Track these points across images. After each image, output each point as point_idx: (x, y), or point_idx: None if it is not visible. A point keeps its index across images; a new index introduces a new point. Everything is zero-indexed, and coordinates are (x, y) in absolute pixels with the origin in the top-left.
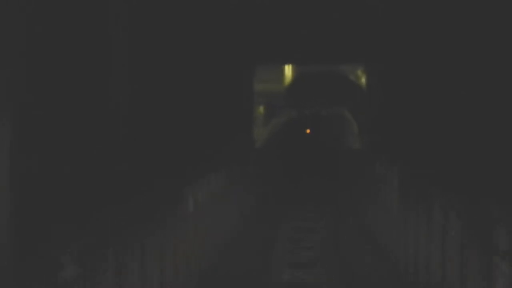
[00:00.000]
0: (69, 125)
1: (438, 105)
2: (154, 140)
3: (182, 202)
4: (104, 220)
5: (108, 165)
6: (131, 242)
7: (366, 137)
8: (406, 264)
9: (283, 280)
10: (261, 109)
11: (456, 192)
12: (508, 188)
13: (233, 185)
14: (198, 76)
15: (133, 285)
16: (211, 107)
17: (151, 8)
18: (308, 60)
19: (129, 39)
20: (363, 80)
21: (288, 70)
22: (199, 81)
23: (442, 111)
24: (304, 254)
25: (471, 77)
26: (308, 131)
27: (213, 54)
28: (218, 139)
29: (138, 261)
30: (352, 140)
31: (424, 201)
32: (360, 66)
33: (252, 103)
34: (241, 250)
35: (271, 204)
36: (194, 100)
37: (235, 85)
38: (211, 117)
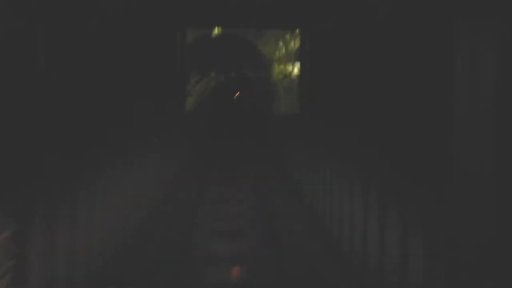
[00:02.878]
0: None
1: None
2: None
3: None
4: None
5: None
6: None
7: (299, 103)
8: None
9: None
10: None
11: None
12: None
13: (165, 147)
14: (126, 42)
15: None
16: (142, 72)
17: None
18: (239, 23)
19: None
20: (292, 45)
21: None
22: (128, 48)
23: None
24: None
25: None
26: (237, 94)
27: (141, 19)
28: (152, 104)
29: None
30: (279, 104)
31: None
32: (290, 31)
33: (184, 68)
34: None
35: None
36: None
37: (164, 49)
38: (143, 82)
